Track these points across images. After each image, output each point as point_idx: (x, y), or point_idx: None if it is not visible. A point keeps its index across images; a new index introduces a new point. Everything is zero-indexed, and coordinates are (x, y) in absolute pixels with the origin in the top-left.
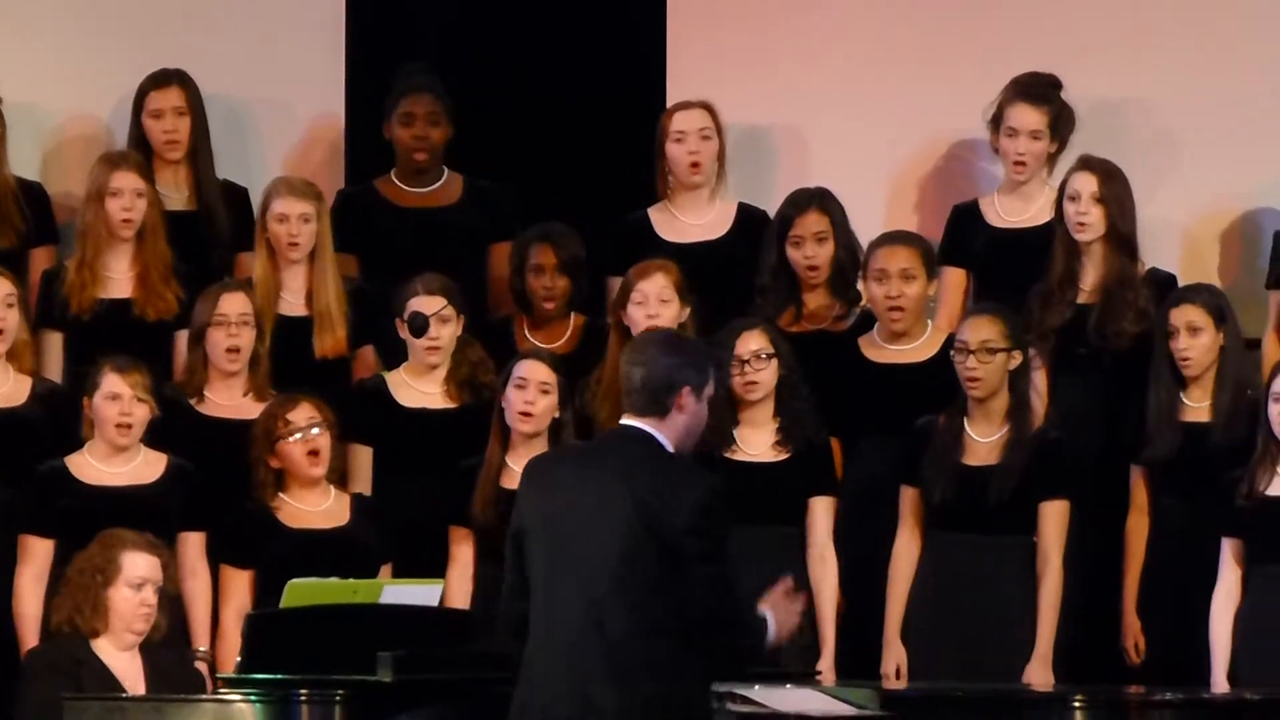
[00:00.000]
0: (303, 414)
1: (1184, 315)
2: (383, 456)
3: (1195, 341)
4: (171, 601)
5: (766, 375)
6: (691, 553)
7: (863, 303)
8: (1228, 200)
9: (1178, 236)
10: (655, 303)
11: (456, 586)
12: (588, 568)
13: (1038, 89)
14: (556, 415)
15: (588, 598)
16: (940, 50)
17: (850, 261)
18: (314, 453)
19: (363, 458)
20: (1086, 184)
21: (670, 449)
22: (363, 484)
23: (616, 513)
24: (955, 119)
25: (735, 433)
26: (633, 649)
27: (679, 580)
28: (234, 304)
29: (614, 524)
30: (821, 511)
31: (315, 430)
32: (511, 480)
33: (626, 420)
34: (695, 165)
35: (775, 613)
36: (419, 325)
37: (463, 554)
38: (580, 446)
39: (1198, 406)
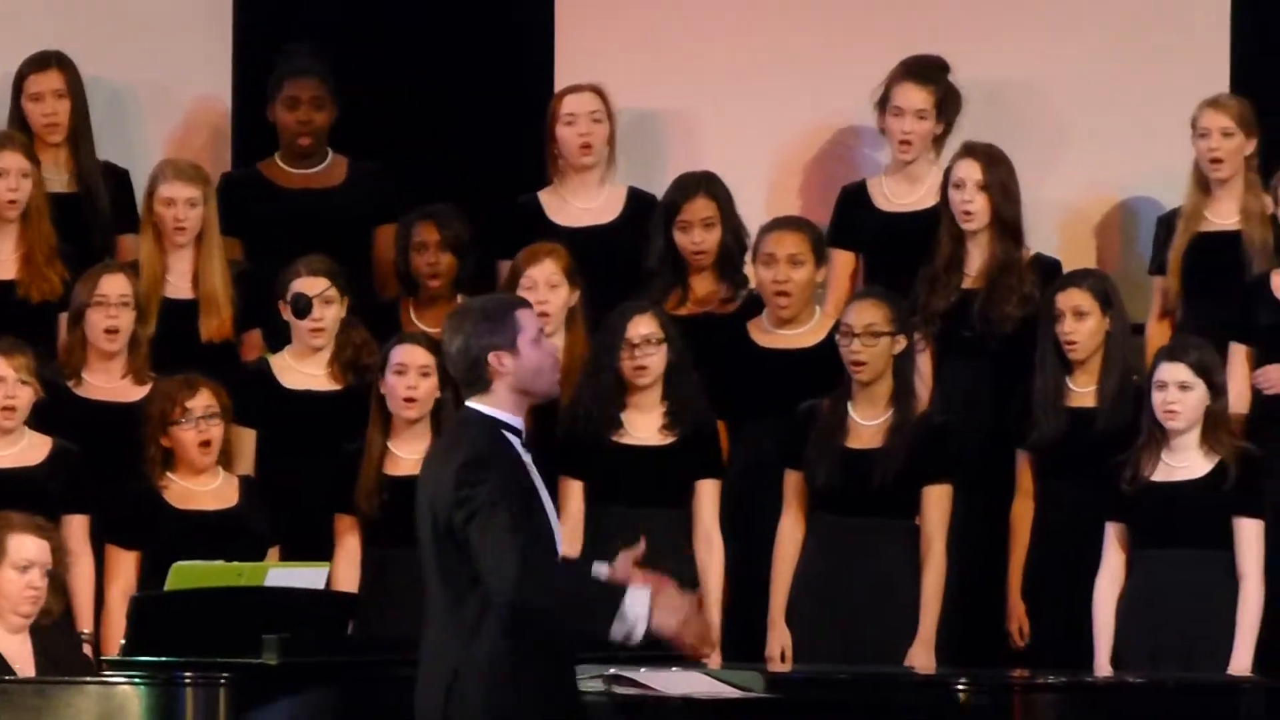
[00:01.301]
0: (200, 401)
1: (1070, 299)
2: (267, 438)
3: (1081, 326)
4: (63, 584)
5: (656, 360)
6: (460, 527)
7: (751, 286)
8: (1112, 186)
9: (1063, 221)
10: (544, 288)
11: (343, 571)
12: (423, 553)
13: (924, 69)
14: (438, 396)
15: (427, 583)
16: (827, 35)
17: (737, 245)
18: (206, 443)
19: (247, 440)
20: (971, 171)
21: (507, 416)
22: (246, 466)
23: (427, 499)
24: (841, 103)
25: (623, 416)
26: (445, 629)
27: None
28: (114, 285)
29: (425, 510)
30: (708, 495)
31: (211, 419)
32: (394, 466)
33: (467, 401)
34: (586, 147)
35: (660, 599)
36: (302, 307)
37: (349, 539)
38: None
39: (1083, 391)
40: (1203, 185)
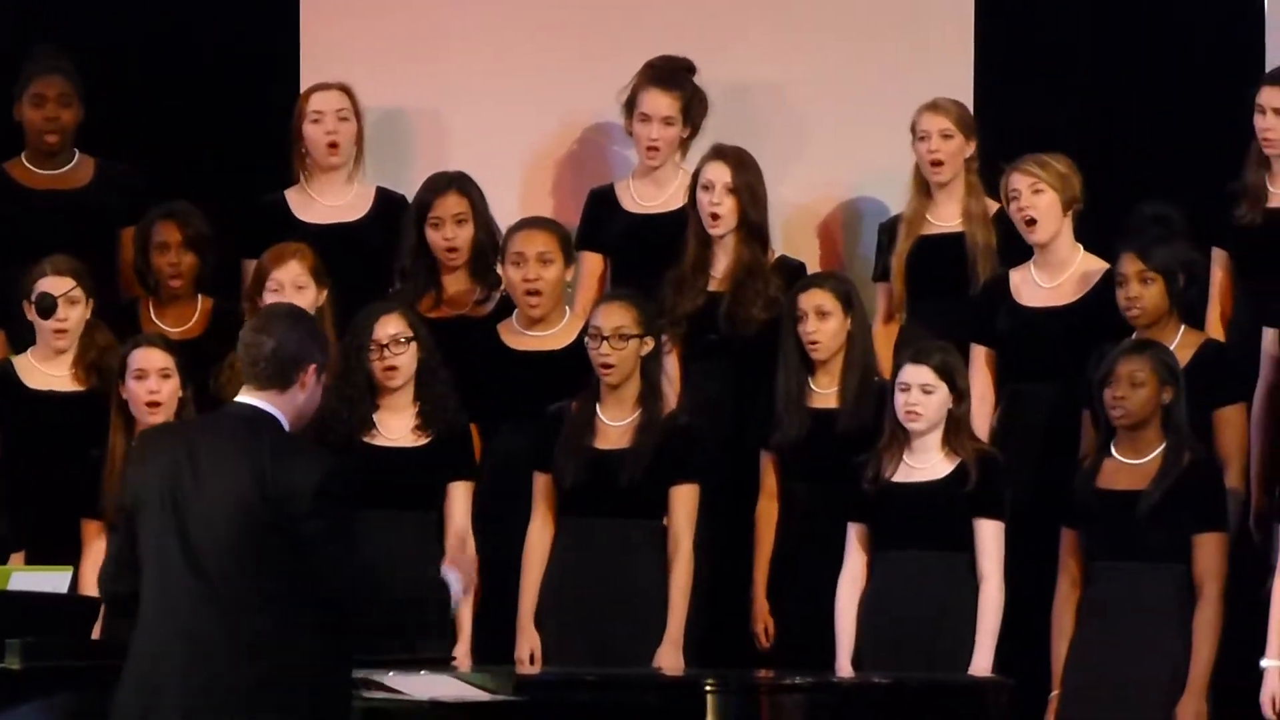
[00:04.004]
0: None
1: (812, 300)
2: (9, 440)
3: (823, 326)
4: None
5: (405, 359)
6: (312, 535)
7: (502, 287)
8: (844, 188)
9: (807, 224)
10: (291, 290)
11: (89, 578)
12: (207, 546)
13: (670, 74)
14: (181, 395)
15: (207, 577)
16: (575, 34)
17: (490, 244)
18: None
19: None
20: (719, 173)
21: (286, 428)
22: None
23: (237, 492)
24: (590, 102)
25: (375, 418)
26: (253, 627)
27: (300, 559)
28: None
29: (234, 504)
30: (460, 497)
31: None
32: None
33: (246, 397)
34: (333, 146)
35: (458, 568)
36: (47, 306)
37: (94, 546)
38: (197, 423)
39: (825, 392)
40: (924, 188)
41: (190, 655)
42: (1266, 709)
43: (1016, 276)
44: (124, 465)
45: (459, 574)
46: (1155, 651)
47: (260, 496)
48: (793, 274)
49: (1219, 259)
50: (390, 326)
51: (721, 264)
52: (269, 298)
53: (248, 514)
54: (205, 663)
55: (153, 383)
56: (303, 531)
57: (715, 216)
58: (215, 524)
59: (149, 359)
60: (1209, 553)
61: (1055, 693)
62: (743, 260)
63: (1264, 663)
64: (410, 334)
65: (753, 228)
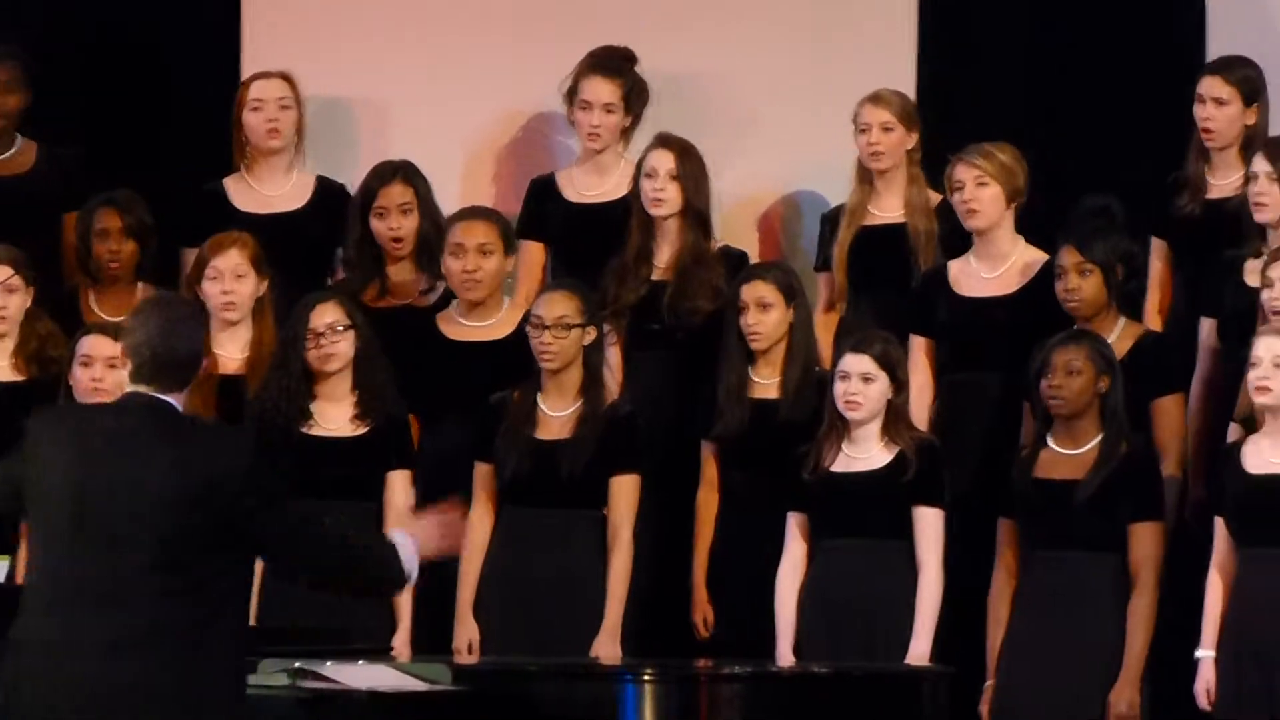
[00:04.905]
0: None
1: (754, 291)
2: None
3: (765, 317)
4: None
5: (343, 347)
6: (253, 513)
7: None
8: (785, 180)
9: (748, 214)
10: (230, 278)
11: None
12: (121, 537)
13: (611, 62)
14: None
15: (117, 569)
16: (517, 24)
17: (435, 235)
18: None
19: None
20: (664, 161)
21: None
22: None
23: (155, 482)
24: (532, 93)
25: (312, 407)
26: (167, 619)
27: (227, 546)
28: None
29: (152, 494)
30: (400, 486)
31: None
32: None
33: (143, 389)
34: (273, 133)
35: (424, 529)
36: None
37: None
38: (95, 411)
39: (766, 382)
40: (866, 179)
41: (94, 654)
42: (1201, 699)
43: (955, 267)
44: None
45: (424, 532)
46: (1091, 640)
47: (183, 485)
48: (735, 264)
49: (1158, 250)
50: (326, 315)
51: (664, 253)
52: (208, 285)
53: (172, 507)
54: (110, 659)
55: (97, 370)
56: (240, 511)
57: (658, 202)
58: (134, 517)
59: (97, 346)
60: (1145, 542)
61: (991, 682)
62: (686, 249)
63: (1198, 654)
64: (347, 322)
65: (696, 216)
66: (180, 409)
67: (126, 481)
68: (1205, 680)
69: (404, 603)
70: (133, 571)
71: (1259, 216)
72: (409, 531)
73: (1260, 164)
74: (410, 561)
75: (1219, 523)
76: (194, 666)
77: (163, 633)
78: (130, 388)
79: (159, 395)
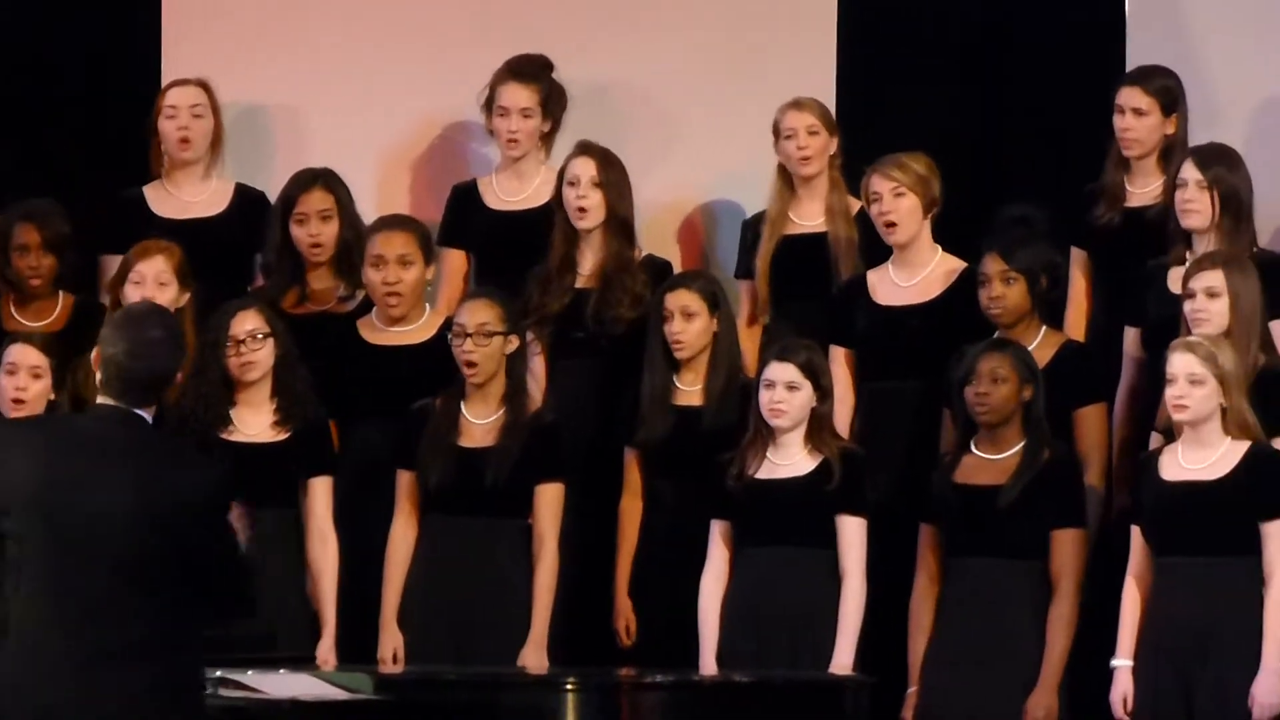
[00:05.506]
0: None
1: (678, 300)
2: None
3: (688, 326)
4: None
5: (263, 354)
6: (202, 543)
7: None
8: (702, 188)
9: (669, 223)
10: (153, 285)
11: None
12: (92, 555)
13: (528, 68)
14: (52, 399)
15: (88, 587)
16: (435, 32)
17: (355, 242)
18: None
19: None
20: (585, 169)
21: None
22: None
23: (120, 502)
24: (449, 101)
25: (232, 414)
26: (139, 638)
27: (189, 566)
28: None
29: (116, 515)
30: (321, 492)
31: None
32: None
33: (113, 401)
34: (185, 141)
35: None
36: None
37: None
38: (59, 423)
39: (690, 390)
40: (788, 187)
41: (82, 667)
42: (1117, 708)
43: (874, 276)
44: None
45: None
46: (1011, 647)
47: (146, 507)
48: (659, 273)
49: (1078, 259)
50: (247, 322)
51: (589, 261)
52: (130, 290)
53: (131, 527)
54: (94, 670)
55: (21, 379)
56: (192, 540)
57: (582, 210)
58: (105, 533)
59: (23, 355)
60: (1066, 549)
61: (913, 688)
62: (610, 257)
63: (1114, 662)
64: (267, 330)
65: (619, 224)
66: (150, 421)
67: (94, 500)
68: (1121, 689)
69: (328, 611)
70: (103, 591)
71: (1187, 223)
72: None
73: (1190, 171)
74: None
75: (1135, 531)
76: (165, 687)
77: (135, 652)
78: (100, 398)
79: (129, 409)
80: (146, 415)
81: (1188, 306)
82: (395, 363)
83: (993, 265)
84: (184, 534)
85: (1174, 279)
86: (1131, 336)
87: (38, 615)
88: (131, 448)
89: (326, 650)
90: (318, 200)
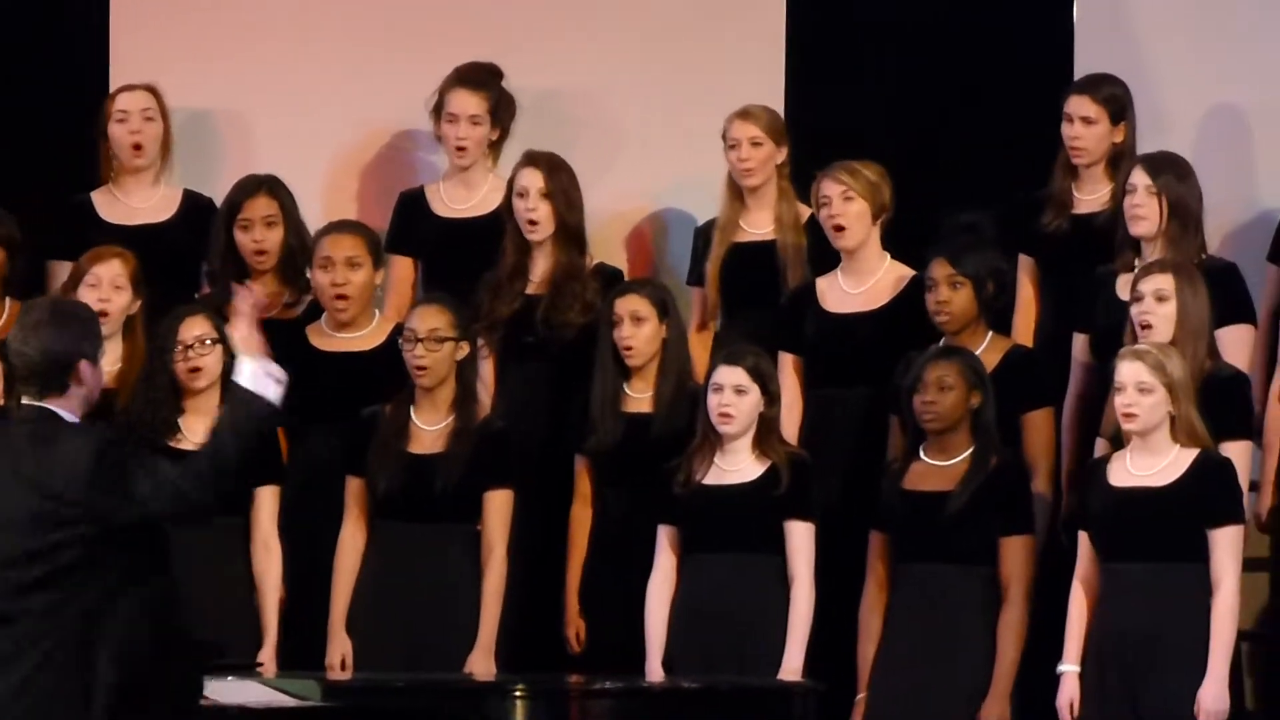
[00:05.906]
0: None
1: (628, 305)
2: None
3: (638, 332)
4: None
5: (210, 361)
6: (114, 508)
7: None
8: (653, 196)
9: (618, 230)
10: (108, 288)
11: None
12: (7, 557)
13: (477, 76)
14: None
15: (4, 587)
16: (383, 39)
17: (300, 248)
18: None
19: None
20: (533, 179)
21: (73, 420)
22: None
23: (15, 503)
24: (397, 108)
25: (180, 421)
26: (50, 638)
27: (108, 558)
28: None
29: (17, 514)
30: (267, 500)
31: None
32: None
33: (29, 399)
34: (137, 147)
35: (245, 344)
36: None
37: None
38: (3, 421)
39: (640, 397)
40: (737, 195)
41: None
42: (1064, 713)
43: (823, 284)
44: None
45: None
46: (960, 654)
47: (36, 504)
48: (610, 279)
49: (1025, 266)
50: (195, 328)
51: (539, 268)
52: (85, 293)
53: (28, 525)
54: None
55: None
56: (100, 511)
57: (532, 223)
58: (8, 536)
59: None
60: (1015, 555)
61: (862, 695)
62: (560, 264)
63: (1061, 668)
64: (215, 336)
65: (569, 232)
66: (65, 416)
67: (3, 500)
68: (1069, 694)
69: (270, 617)
70: (14, 589)
71: (1136, 229)
72: (242, 352)
73: (1139, 177)
74: (260, 383)
75: (1083, 537)
76: (76, 687)
77: (45, 652)
78: (24, 399)
79: (44, 404)
80: (60, 408)
81: (1135, 309)
82: (343, 370)
83: (940, 270)
84: (81, 518)
85: (1122, 286)
86: (1080, 343)
87: None
88: (31, 446)
89: (267, 658)
90: (262, 206)
